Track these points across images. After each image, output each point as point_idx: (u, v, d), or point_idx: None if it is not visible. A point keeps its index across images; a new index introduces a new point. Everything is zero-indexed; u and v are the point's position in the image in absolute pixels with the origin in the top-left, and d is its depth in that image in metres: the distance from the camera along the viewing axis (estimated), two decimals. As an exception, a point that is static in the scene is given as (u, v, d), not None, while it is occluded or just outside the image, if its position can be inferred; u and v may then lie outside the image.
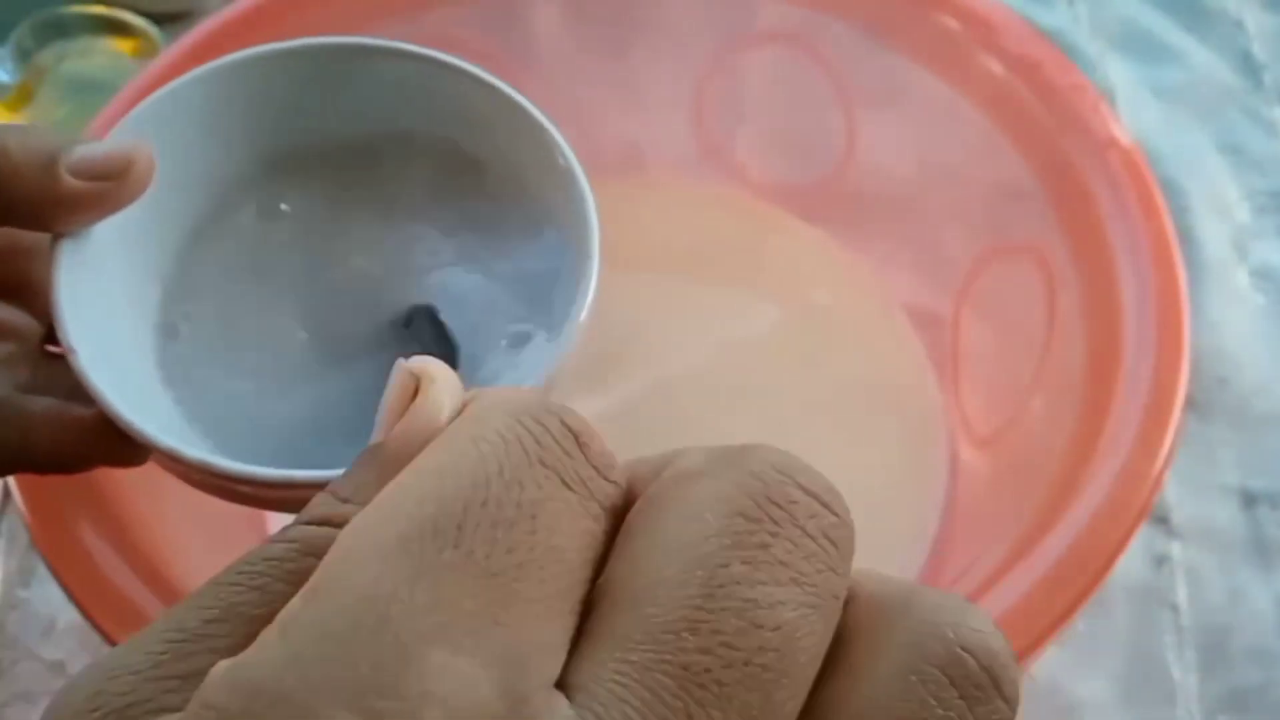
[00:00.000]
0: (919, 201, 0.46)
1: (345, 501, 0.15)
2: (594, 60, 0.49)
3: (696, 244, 0.50)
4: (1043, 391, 0.40)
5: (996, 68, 0.42)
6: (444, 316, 0.28)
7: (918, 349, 0.46)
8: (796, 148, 0.49)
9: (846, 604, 0.15)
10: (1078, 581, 0.31)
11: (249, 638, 0.14)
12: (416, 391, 0.16)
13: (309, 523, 0.15)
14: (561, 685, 0.13)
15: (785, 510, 0.14)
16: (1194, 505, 0.43)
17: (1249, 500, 0.43)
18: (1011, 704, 0.14)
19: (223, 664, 0.13)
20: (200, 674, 0.13)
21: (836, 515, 0.15)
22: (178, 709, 0.13)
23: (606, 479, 0.15)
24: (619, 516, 0.15)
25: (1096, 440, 0.34)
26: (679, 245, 0.49)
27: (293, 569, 0.15)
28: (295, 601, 0.13)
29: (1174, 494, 0.43)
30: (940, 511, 0.42)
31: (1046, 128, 0.41)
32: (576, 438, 0.15)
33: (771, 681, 0.13)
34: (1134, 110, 0.54)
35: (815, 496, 0.15)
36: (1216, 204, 0.51)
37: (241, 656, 0.13)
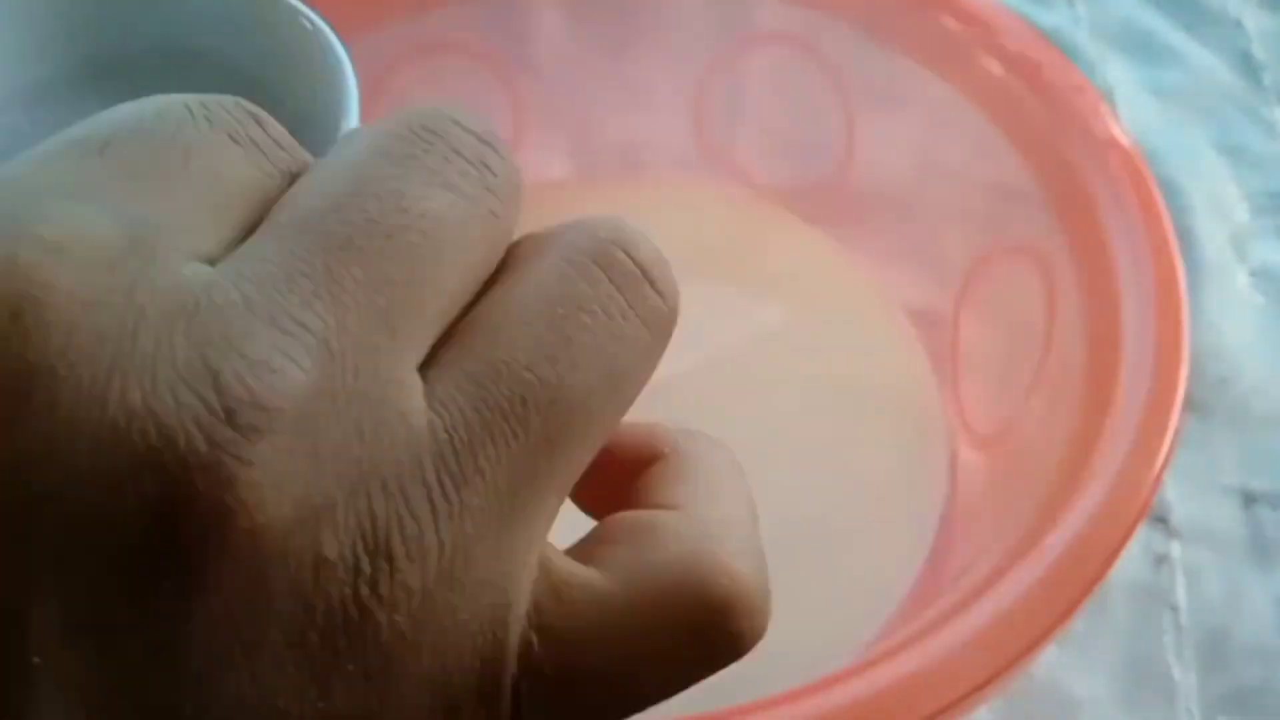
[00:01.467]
0: (919, 201, 0.46)
1: None
2: (594, 60, 0.49)
3: (696, 244, 0.50)
4: (1043, 391, 0.40)
5: (996, 68, 0.42)
6: None
7: (918, 349, 0.46)
8: (796, 148, 0.49)
9: (518, 243, 0.16)
10: (1077, 581, 0.31)
11: None
12: None
13: None
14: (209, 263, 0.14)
15: (439, 135, 0.15)
16: (1194, 505, 0.43)
17: (1249, 500, 0.43)
18: (666, 297, 0.16)
19: None
20: None
21: (496, 151, 0.16)
22: None
23: (284, 150, 0.15)
24: None
25: (1096, 440, 0.34)
26: (679, 245, 0.49)
27: None
28: None
29: (1174, 494, 0.43)
30: (940, 511, 0.42)
31: (1046, 128, 0.41)
32: (254, 116, 0.15)
33: (417, 256, 0.14)
34: (1134, 110, 0.54)
35: (471, 132, 0.15)
36: (1216, 204, 0.51)
37: None
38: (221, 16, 0.29)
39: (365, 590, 0.12)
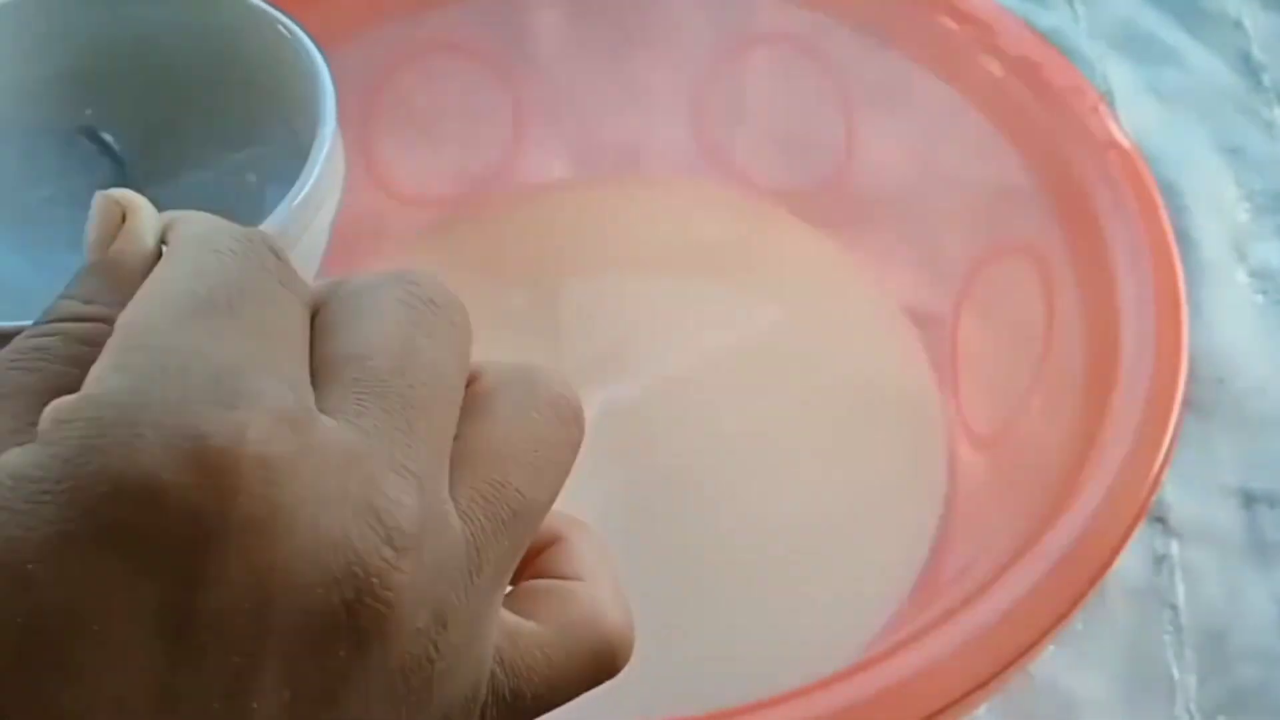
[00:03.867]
0: (919, 201, 0.46)
1: (89, 303, 0.19)
2: (594, 60, 0.49)
3: (696, 244, 0.50)
4: (1042, 391, 0.40)
5: (996, 69, 0.42)
6: (105, 135, 0.29)
7: (918, 349, 0.46)
8: (796, 148, 0.49)
9: (475, 379, 0.21)
10: (1077, 581, 0.31)
11: (40, 408, 0.17)
12: (124, 217, 0.21)
13: (62, 320, 0.19)
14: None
15: (439, 306, 0.20)
16: (1193, 505, 0.43)
17: (1248, 500, 0.44)
18: (581, 429, 0.21)
19: (64, 399, 0.17)
20: (7, 432, 0.17)
21: (461, 310, 0.21)
22: None
23: (301, 281, 0.20)
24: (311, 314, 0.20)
25: (1095, 440, 0.34)
26: (679, 245, 0.50)
27: (68, 354, 0.19)
28: (111, 356, 0.17)
29: (1173, 494, 0.43)
30: (940, 511, 0.42)
31: (1046, 128, 0.41)
32: (277, 254, 0.20)
33: (449, 409, 0.19)
34: (1133, 111, 0.54)
35: (451, 303, 0.20)
36: (1215, 204, 0.51)
37: (83, 390, 0.17)
38: (198, 26, 0.30)
39: (431, 647, 0.18)
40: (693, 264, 0.49)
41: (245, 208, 0.28)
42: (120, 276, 0.20)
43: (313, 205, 0.26)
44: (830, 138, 0.48)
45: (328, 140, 0.27)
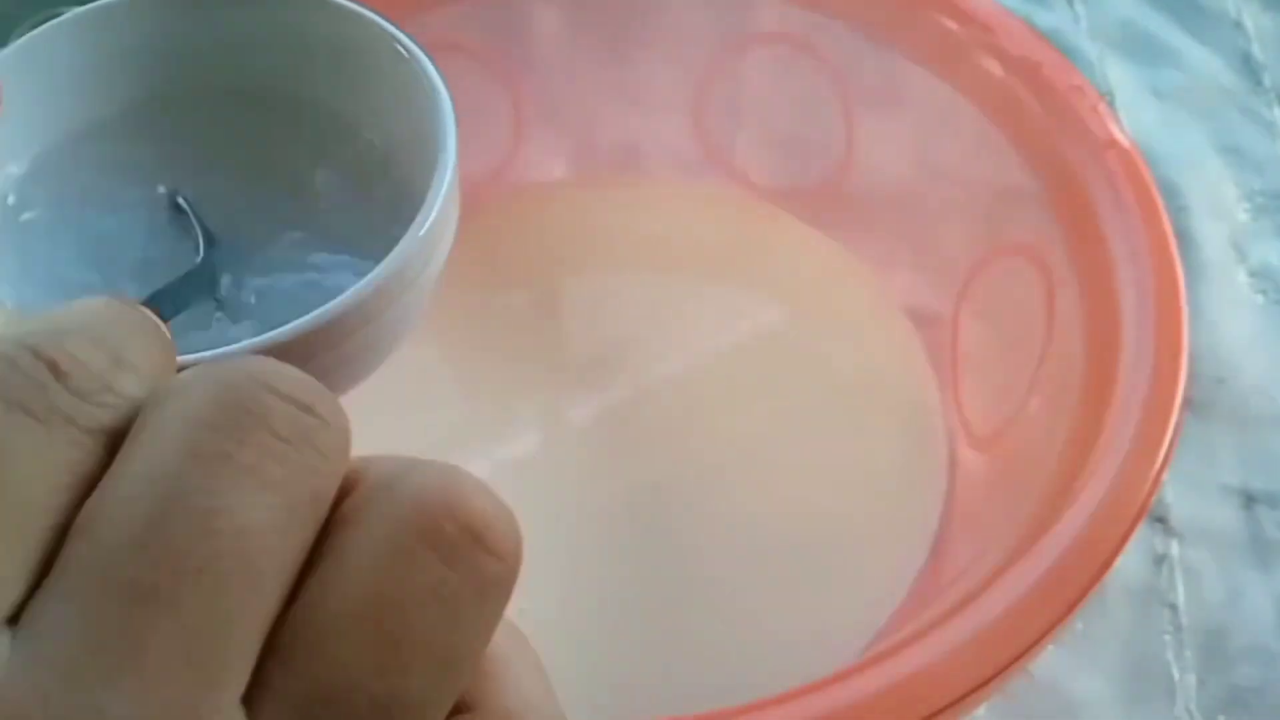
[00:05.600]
0: (918, 202, 0.46)
1: None
2: (594, 61, 0.49)
3: (696, 244, 0.50)
4: (1042, 391, 0.40)
5: (996, 69, 0.42)
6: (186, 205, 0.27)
7: (917, 349, 0.46)
8: (796, 148, 0.49)
9: (348, 494, 0.15)
10: (1076, 581, 0.31)
11: None
12: None
13: None
14: (15, 622, 0.13)
15: (256, 417, 0.14)
16: (1193, 505, 0.43)
17: (1248, 500, 0.44)
18: (505, 556, 0.14)
19: None
20: None
21: (319, 418, 0.14)
22: None
23: (95, 404, 0.14)
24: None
25: (1095, 440, 0.34)
26: (679, 245, 0.50)
27: None
28: None
29: (1173, 494, 0.43)
30: (940, 511, 0.42)
31: (1046, 128, 0.41)
32: (54, 367, 0.14)
33: (234, 586, 0.13)
34: (1133, 111, 0.54)
35: (294, 402, 0.14)
36: (1215, 204, 0.51)
37: None
38: (309, 46, 0.27)
39: None
40: (693, 264, 0.49)
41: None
42: None
43: (435, 237, 0.24)
44: (830, 138, 0.48)
45: (450, 167, 0.24)
